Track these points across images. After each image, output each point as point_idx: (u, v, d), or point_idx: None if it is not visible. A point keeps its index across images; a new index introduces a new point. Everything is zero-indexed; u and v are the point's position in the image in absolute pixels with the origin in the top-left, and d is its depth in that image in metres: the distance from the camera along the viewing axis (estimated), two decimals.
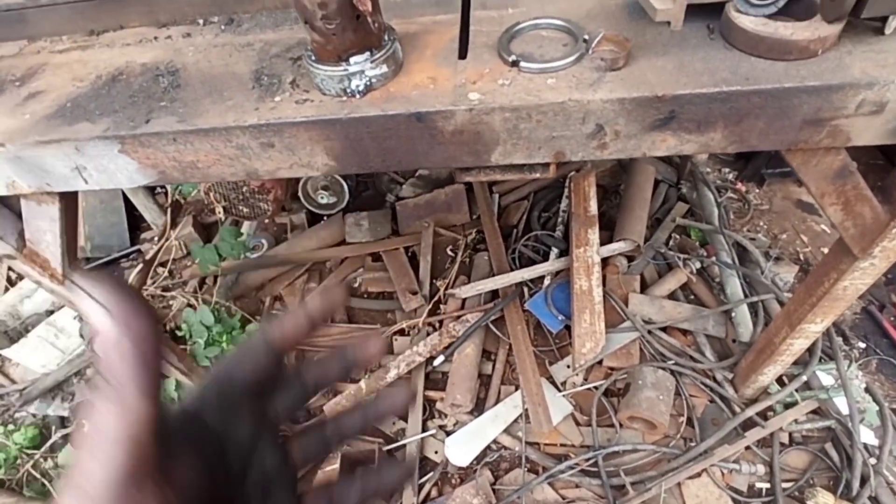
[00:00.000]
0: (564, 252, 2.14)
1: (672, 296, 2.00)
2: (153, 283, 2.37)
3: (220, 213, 1.84)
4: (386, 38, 0.91)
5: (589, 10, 0.99)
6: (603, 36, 0.88)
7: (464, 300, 2.07)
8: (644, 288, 2.03)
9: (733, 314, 1.85)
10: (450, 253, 2.34)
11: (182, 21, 1.19)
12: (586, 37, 0.90)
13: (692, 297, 2.02)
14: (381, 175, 2.79)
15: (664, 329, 1.89)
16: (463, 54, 0.96)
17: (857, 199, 0.99)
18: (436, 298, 2.12)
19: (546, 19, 0.96)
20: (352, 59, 0.88)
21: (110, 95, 1.04)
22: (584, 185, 2.22)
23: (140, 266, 1.86)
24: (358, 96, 0.91)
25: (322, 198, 2.52)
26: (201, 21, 1.18)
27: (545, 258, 2.17)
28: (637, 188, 2.22)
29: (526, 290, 2.08)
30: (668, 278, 2.02)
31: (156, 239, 2.23)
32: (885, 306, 1.93)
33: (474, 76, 0.91)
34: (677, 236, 2.19)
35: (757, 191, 2.34)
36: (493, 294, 2.08)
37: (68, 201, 1.21)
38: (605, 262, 2.04)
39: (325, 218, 2.55)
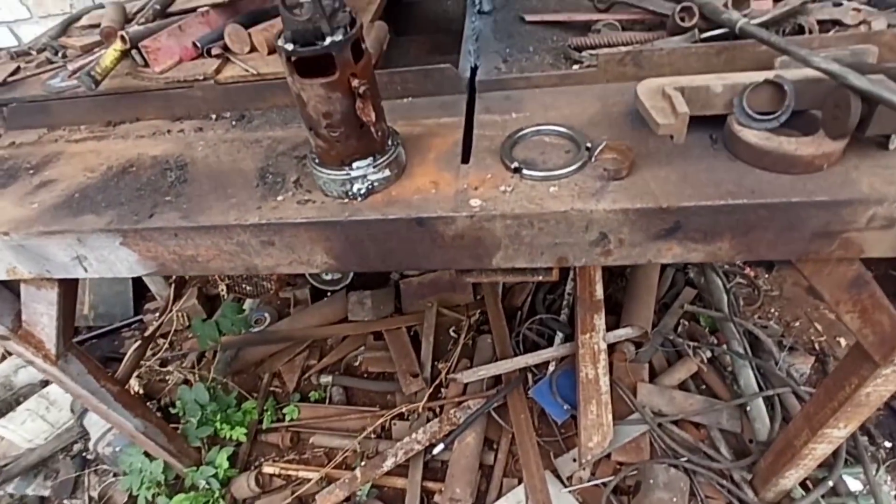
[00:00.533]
0: (570, 337, 2.09)
1: (683, 386, 1.92)
2: (152, 354, 2.33)
3: (223, 290, 1.83)
4: (390, 142, 0.92)
5: (591, 116, 1.01)
6: (605, 144, 0.89)
7: (466, 385, 2.00)
8: (653, 377, 1.96)
9: (748, 408, 1.76)
10: (452, 334, 2.29)
11: (196, 115, 1.23)
12: (589, 144, 0.91)
13: (704, 387, 1.93)
14: None
15: (676, 422, 1.80)
16: (466, 158, 0.96)
17: (874, 307, 0.96)
18: (437, 382, 2.05)
19: (549, 126, 0.98)
20: (354, 164, 0.88)
21: (118, 188, 1.06)
22: (589, 269, 2.19)
23: (138, 342, 1.82)
24: (359, 199, 0.91)
25: (327, 275, 2.51)
26: (214, 116, 1.22)
27: (550, 342, 2.12)
28: (643, 272, 2.19)
29: (530, 375, 2.02)
30: (678, 367, 1.94)
31: (158, 311, 2.21)
32: None
33: (476, 181, 0.91)
34: (686, 322, 2.14)
35: (766, 276, 2.30)
36: (496, 379, 2.02)
37: (67, 287, 1.20)
38: (611, 348, 1.98)
39: (328, 294, 2.53)
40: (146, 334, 2.05)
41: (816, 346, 2.02)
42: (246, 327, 2.16)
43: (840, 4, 1.04)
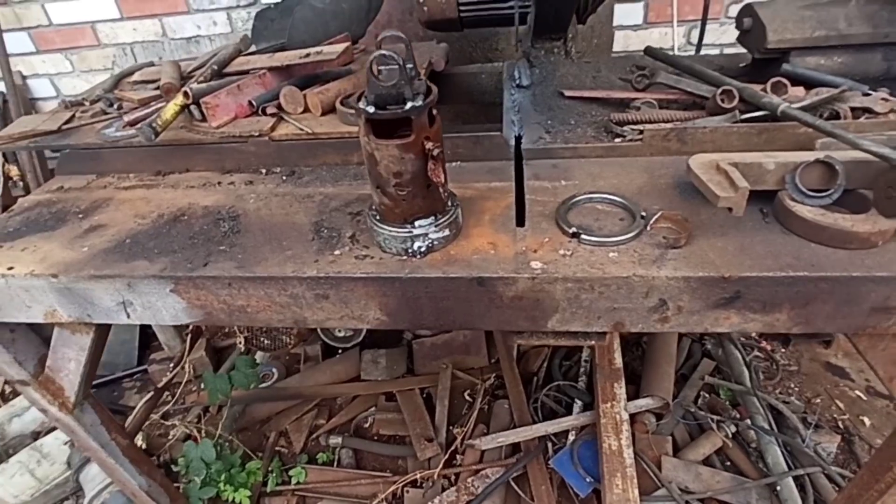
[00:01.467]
0: (589, 405, 2.04)
1: (707, 461, 1.86)
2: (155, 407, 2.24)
3: (240, 343, 1.80)
4: (450, 203, 0.94)
5: (640, 186, 1.05)
6: (661, 214, 0.91)
7: (483, 452, 1.93)
8: (676, 450, 1.90)
9: (778, 487, 1.70)
10: (467, 398, 2.24)
11: (246, 169, 1.26)
12: (643, 213, 0.94)
13: (728, 463, 1.88)
14: None
15: (703, 500, 1.73)
16: (521, 222, 0.99)
17: None
18: (453, 448, 1.98)
19: (601, 193, 1.01)
20: (417, 222, 0.90)
21: (170, 235, 1.06)
22: (608, 336, 2.19)
23: (150, 394, 1.76)
24: (419, 257, 0.92)
25: (340, 331, 2.48)
26: (264, 171, 1.25)
27: (568, 410, 2.07)
28: (662, 342, 2.18)
29: (550, 445, 1.95)
30: (701, 441, 1.89)
31: (170, 364, 2.15)
32: None
33: (534, 245, 0.92)
34: (706, 395, 2.11)
35: (783, 350, 2.30)
36: (514, 447, 1.95)
37: (101, 332, 1.18)
38: (632, 419, 1.94)
39: (339, 351, 2.49)
40: (159, 385, 1.99)
41: (840, 424, 1.99)
42: (258, 382, 2.11)
43: (869, 94, 1.11)
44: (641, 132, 1.13)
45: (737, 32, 1.35)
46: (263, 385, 2.31)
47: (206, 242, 1.03)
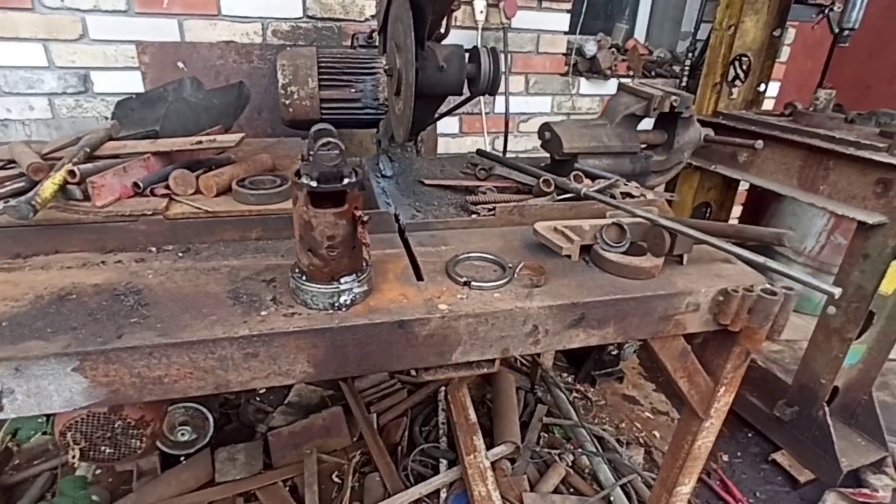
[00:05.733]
0: (453, 462, 2.21)
1: (557, 490, 2.16)
2: None
3: (74, 458, 1.55)
4: (365, 264, 1.12)
5: (500, 247, 1.36)
6: (523, 264, 1.23)
7: None
8: (532, 487, 2.17)
9: (612, 498, 2.07)
10: (336, 479, 2.21)
11: (132, 248, 1.24)
12: (510, 265, 1.24)
13: (572, 490, 2.20)
14: (246, 405, 2.63)
15: None
16: (420, 277, 1.20)
17: (694, 372, 1.39)
18: None
19: (476, 253, 1.29)
20: (342, 279, 1.05)
21: (61, 314, 1.00)
22: (459, 396, 2.43)
23: None
24: (345, 309, 1.06)
25: (182, 434, 2.25)
26: (154, 249, 1.25)
27: (435, 470, 2.20)
28: (505, 394, 2.51)
29: None
30: (549, 475, 2.20)
31: None
32: (710, 473, 2.36)
33: (437, 293, 1.14)
34: (545, 435, 2.46)
35: (592, 390, 2.82)
36: None
37: None
38: (492, 467, 2.16)
39: (182, 459, 2.24)
40: None
41: (641, 439, 2.51)
42: None
43: (627, 185, 1.65)
44: (493, 209, 1.47)
45: (526, 142, 1.86)
46: None
47: (111, 316, 1.00)
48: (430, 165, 1.87)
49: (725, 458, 2.48)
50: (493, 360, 1.20)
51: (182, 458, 2.23)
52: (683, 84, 2.91)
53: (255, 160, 1.45)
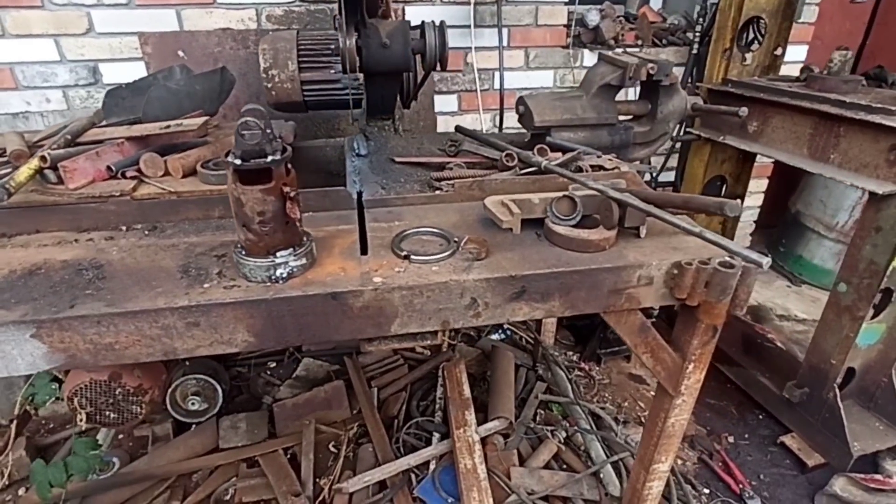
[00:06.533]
0: (446, 435, 2.26)
1: (547, 466, 2.17)
2: None
3: (81, 421, 1.70)
4: (305, 238, 1.16)
5: (454, 223, 1.37)
6: (468, 238, 1.23)
7: (351, 495, 2.01)
8: (522, 462, 2.18)
9: (601, 475, 2.06)
10: (332, 449, 2.30)
11: (104, 227, 1.33)
12: (456, 239, 1.25)
13: (564, 465, 2.20)
14: (255, 377, 2.77)
15: (545, 498, 2.01)
16: (364, 251, 1.23)
17: (657, 348, 1.37)
18: (321, 498, 2.02)
19: (424, 228, 1.31)
20: (278, 253, 1.10)
21: (27, 287, 1.10)
22: (456, 373, 2.47)
23: None
24: (281, 282, 1.10)
25: (193, 404, 2.39)
26: (124, 227, 1.34)
27: (428, 444, 2.26)
28: (502, 371, 2.52)
29: (413, 476, 2.10)
30: (541, 450, 2.21)
31: None
32: (712, 454, 2.30)
33: (376, 266, 1.17)
34: (542, 412, 2.46)
35: (597, 368, 2.79)
36: (382, 485, 2.06)
37: None
38: (483, 441, 2.19)
39: (193, 427, 2.39)
40: None
41: (643, 418, 2.47)
42: (100, 466, 1.95)
43: (600, 157, 1.61)
44: (453, 185, 1.48)
45: None
46: (104, 476, 2.11)
47: (69, 289, 1.09)
48: (407, 144, 1.88)
49: (731, 439, 2.41)
50: (434, 332, 1.22)
51: (193, 426, 2.38)
52: (695, 51, 2.77)
53: (224, 142, 1.52)
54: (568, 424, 2.36)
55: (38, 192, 1.31)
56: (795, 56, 3.02)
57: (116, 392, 1.77)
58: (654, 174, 3.04)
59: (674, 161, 3.07)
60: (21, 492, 2.11)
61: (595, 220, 1.29)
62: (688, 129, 2.68)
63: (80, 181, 1.31)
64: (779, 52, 2.53)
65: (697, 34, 2.72)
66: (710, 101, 2.53)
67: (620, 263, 1.20)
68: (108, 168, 1.37)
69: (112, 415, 1.80)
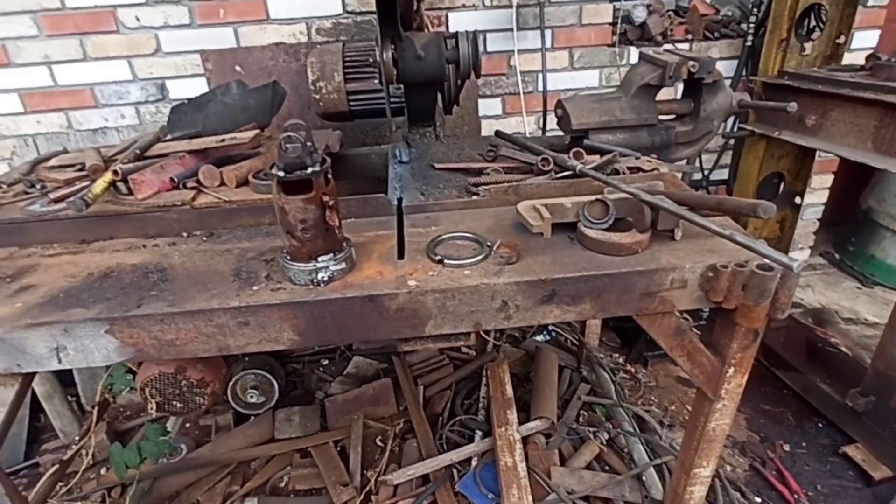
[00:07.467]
0: (488, 434, 2.30)
1: (589, 466, 2.16)
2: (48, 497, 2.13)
3: (152, 409, 1.86)
4: (345, 244, 1.23)
5: (488, 227, 1.41)
6: (500, 243, 1.27)
7: (396, 487, 2.09)
8: (563, 462, 2.19)
9: (644, 477, 2.04)
10: (379, 443, 2.40)
11: (168, 234, 1.46)
12: (489, 244, 1.29)
13: (607, 467, 2.19)
14: (309, 374, 2.91)
15: (586, 498, 2.01)
16: (401, 255, 1.29)
17: (694, 351, 1.35)
18: (367, 489, 2.11)
19: (459, 233, 1.35)
20: (320, 259, 1.17)
21: (102, 288, 1.23)
22: (499, 372, 2.50)
23: (56, 466, 1.74)
24: (323, 285, 1.18)
25: (251, 397, 2.56)
26: (185, 234, 1.46)
27: (471, 441, 2.30)
28: (545, 372, 2.53)
29: (455, 472, 2.16)
30: (582, 451, 2.20)
31: (76, 439, 2.09)
32: (765, 462, 2.22)
33: (411, 270, 1.23)
34: (585, 413, 2.45)
35: (644, 371, 2.74)
36: (425, 479, 2.13)
37: (24, 384, 1.26)
38: (525, 440, 2.21)
39: (252, 418, 2.55)
40: (65, 458, 1.94)
41: None
42: (170, 451, 2.12)
43: (639, 158, 1.60)
44: (489, 190, 1.51)
45: None
46: (174, 461, 2.30)
47: (137, 290, 1.21)
48: (448, 150, 1.93)
49: (787, 447, 2.31)
50: (468, 334, 1.26)
51: (252, 418, 2.54)
52: (749, 43, 2.65)
53: (275, 153, 1.62)
54: (611, 426, 2.34)
55: (111, 203, 1.46)
56: (865, 42, 2.83)
57: (182, 384, 1.92)
58: (706, 173, 2.94)
59: (727, 158, 2.96)
60: (102, 471, 2.34)
61: (629, 224, 1.29)
62: (741, 126, 2.58)
63: (147, 192, 1.45)
64: (841, 39, 2.40)
65: (752, 25, 2.61)
66: (766, 94, 2.43)
67: (652, 266, 1.20)
68: (171, 179, 1.50)
69: (178, 404, 1.95)
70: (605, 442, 2.25)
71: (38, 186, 1.56)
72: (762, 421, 2.44)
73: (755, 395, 2.54)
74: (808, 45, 2.44)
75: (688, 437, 1.60)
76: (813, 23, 2.49)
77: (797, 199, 2.71)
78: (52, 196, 1.47)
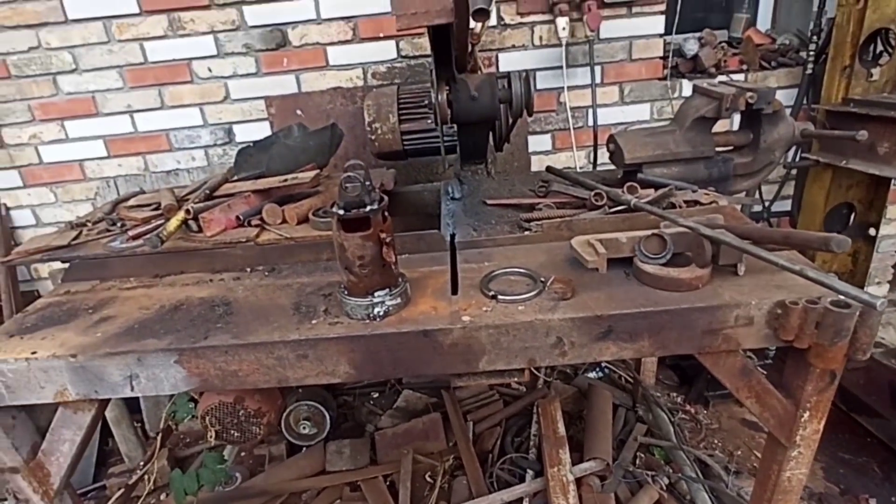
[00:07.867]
0: (539, 473, 2.22)
1: None
2: None
3: (211, 437, 1.92)
4: (400, 280, 1.26)
5: (541, 263, 1.40)
6: (554, 279, 1.26)
7: None
8: None
9: None
10: (428, 479, 2.36)
11: (233, 269, 1.54)
12: (543, 279, 1.28)
13: None
14: (360, 406, 2.93)
15: None
16: (454, 291, 1.31)
17: (764, 392, 1.27)
18: None
19: (512, 268, 1.35)
20: (376, 294, 1.20)
21: (173, 319, 1.31)
22: (550, 409, 2.43)
23: (121, 490, 1.82)
24: (378, 320, 1.21)
25: (304, 428, 2.59)
26: (249, 269, 1.54)
27: (521, 481, 2.23)
28: (599, 411, 2.44)
29: None
30: (640, 496, 2.09)
31: (140, 463, 2.19)
32: None
33: (465, 305, 1.24)
34: (642, 455, 2.33)
35: (704, 412, 2.60)
36: None
37: (100, 409, 1.34)
38: (578, 482, 2.12)
39: (304, 449, 2.58)
40: (130, 482, 2.03)
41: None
42: (226, 479, 2.17)
43: (696, 191, 1.56)
44: (542, 226, 1.51)
45: None
46: (229, 489, 2.35)
47: (204, 322, 1.28)
48: (499, 186, 1.96)
49: (873, 502, 2.10)
50: (521, 370, 1.24)
51: (304, 449, 2.57)
52: (809, 71, 2.57)
53: (333, 192, 1.69)
54: (671, 470, 2.22)
55: (182, 240, 1.56)
56: None
57: (240, 413, 1.98)
58: (767, 204, 2.82)
59: (789, 189, 2.83)
60: (162, 496, 2.41)
61: (687, 258, 1.25)
62: (804, 155, 2.48)
63: (215, 229, 1.54)
64: None
65: (812, 53, 2.53)
66: (829, 123, 2.33)
67: (715, 303, 1.15)
68: (237, 217, 1.59)
69: (236, 433, 2.01)
70: (664, 487, 2.12)
71: (118, 224, 1.69)
72: (842, 471, 2.25)
73: (832, 443, 2.35)
74: (875, 71, 2.34)
75: (759, 486, 1.50)
76: (880, 48, 2.39)
77: (871, 231, 2.55)
78: (130, 233, 1.59)
